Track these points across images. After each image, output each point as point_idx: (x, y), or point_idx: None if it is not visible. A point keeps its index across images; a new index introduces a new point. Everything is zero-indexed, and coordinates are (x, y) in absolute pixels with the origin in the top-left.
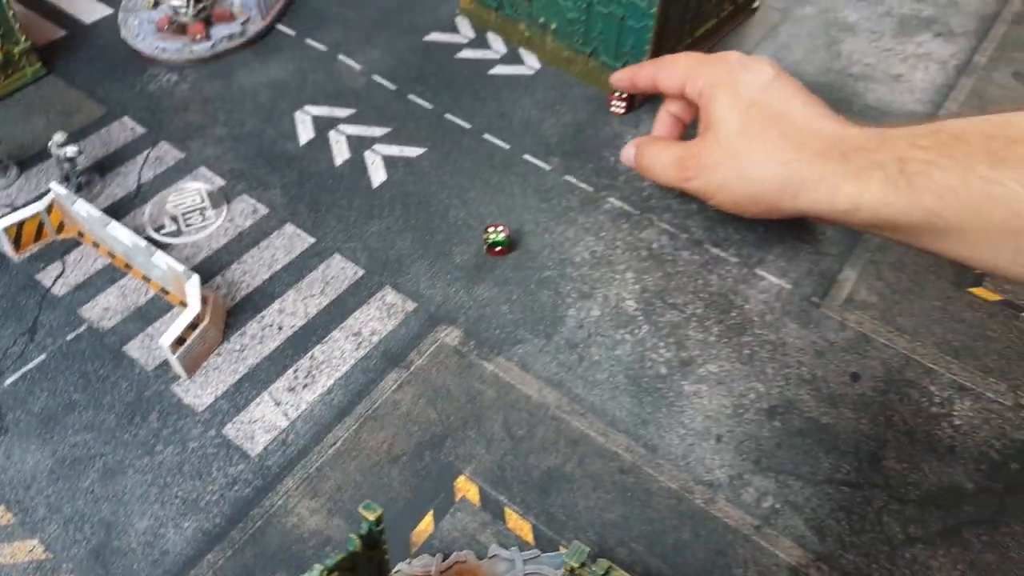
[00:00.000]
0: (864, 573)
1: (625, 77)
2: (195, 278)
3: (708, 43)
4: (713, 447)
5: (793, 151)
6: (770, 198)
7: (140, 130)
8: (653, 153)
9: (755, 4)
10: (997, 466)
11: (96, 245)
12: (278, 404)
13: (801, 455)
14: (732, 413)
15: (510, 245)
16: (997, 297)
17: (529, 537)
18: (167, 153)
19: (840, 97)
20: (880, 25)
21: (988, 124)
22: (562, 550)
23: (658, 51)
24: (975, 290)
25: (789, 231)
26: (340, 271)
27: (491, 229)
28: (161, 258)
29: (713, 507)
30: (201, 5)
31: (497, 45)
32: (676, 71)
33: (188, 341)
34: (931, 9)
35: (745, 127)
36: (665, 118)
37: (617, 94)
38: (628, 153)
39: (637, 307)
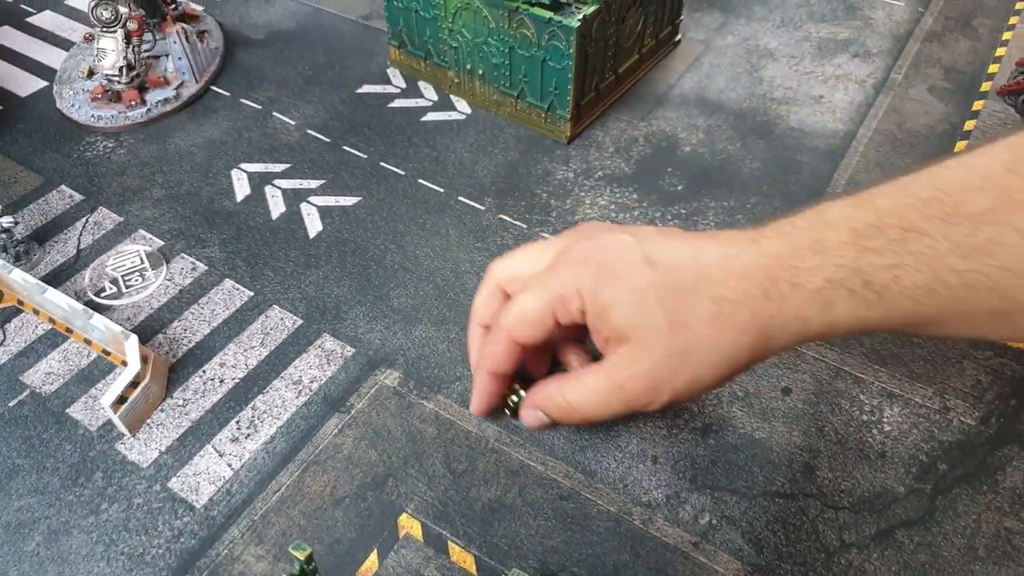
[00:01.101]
0: None
1: (487, 388)
2: (133, 338)
3: (632, 78)
4: (649, 468)
5: (740, 313)
6: (745, 365)
7: (78, 197)
8: (577, 399)
9: (677, 37)
10: (926, 468)
11: (36, 312)
12: (222, 455)
13: (736, 470)
14: (667, 434)
15: None
16: None
17: (472, 568)
18: (106, 218)
19: (764, 120)
20: (799, 50)
21: (937, 206)
22: None
23: (581, 89)
24: None
25: None
26: (279, 322)
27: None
28: (99, 320)
29: (651, 527)
30: (135, 73)
31: (428, 93)
32: (534, 317)
33: (130, 399)
34: (848, 32)
35: (673, 319)
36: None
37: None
38: (535, 417)
39: None
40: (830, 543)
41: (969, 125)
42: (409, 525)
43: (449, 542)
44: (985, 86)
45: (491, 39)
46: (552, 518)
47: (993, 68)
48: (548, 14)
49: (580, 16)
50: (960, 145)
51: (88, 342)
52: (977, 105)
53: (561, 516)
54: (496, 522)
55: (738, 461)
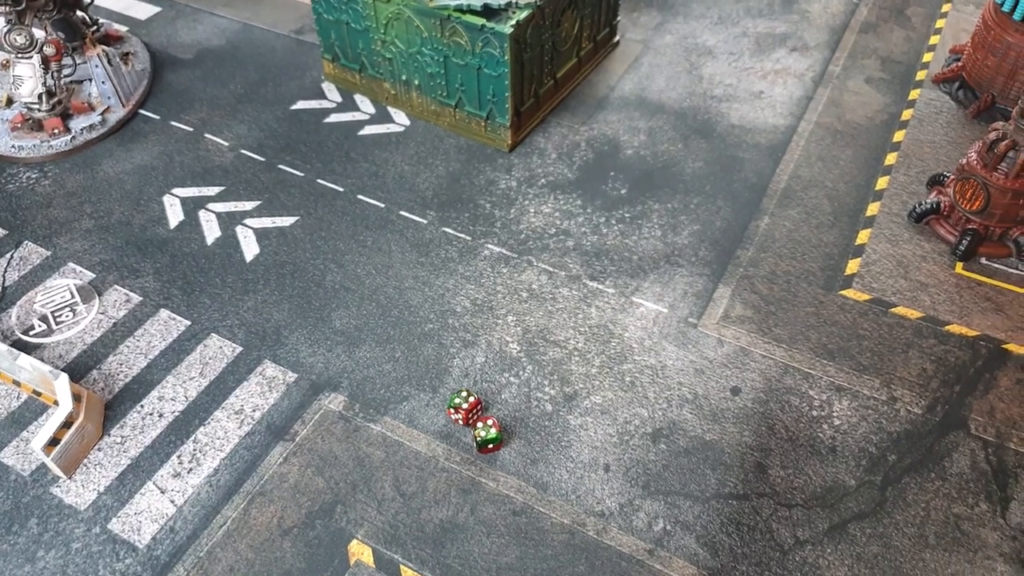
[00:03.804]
0: None
1: None
2: (63, 377)
3: (571, 82)
4: (602, 477)
5: None
6: None
7: (1, 232)
8: None
9: (615, 39)
10: (876, 460)
11: None
12: (164, 492)
13: (688, 474)
14: (618, 441)
15: (503, 439)
16: (866, 297)
17: None
18: (32, 252)
19: (705, 119)
20: (738, 46)
21: None
22: None
23: (519, 96)
24: (846, 292)
25: (663, 257)
26: (218, 350)
27: (480, 425)
28: (25, 360)
29: (606, 537)
30: (56, 99)
31: (365, 106)
32: None
33: (63, 440)
34: (785, 26)
35: None
36: None
37: (453, 408)
38: None
39: (520, 349)
40: (784, 541)
41: (907, 114)
42: (360, 551)
43: (402, 566)
44: (921, 75)
45: (425, 49)
46: (505, 535)
47: (928, 57)
48: (481, 21)
49: (513, 22)
50: (899, 135)
51: (17, 383)
52: (913, 94)
53: (515, 532)
54: (449, 543)
55: (690, 465)
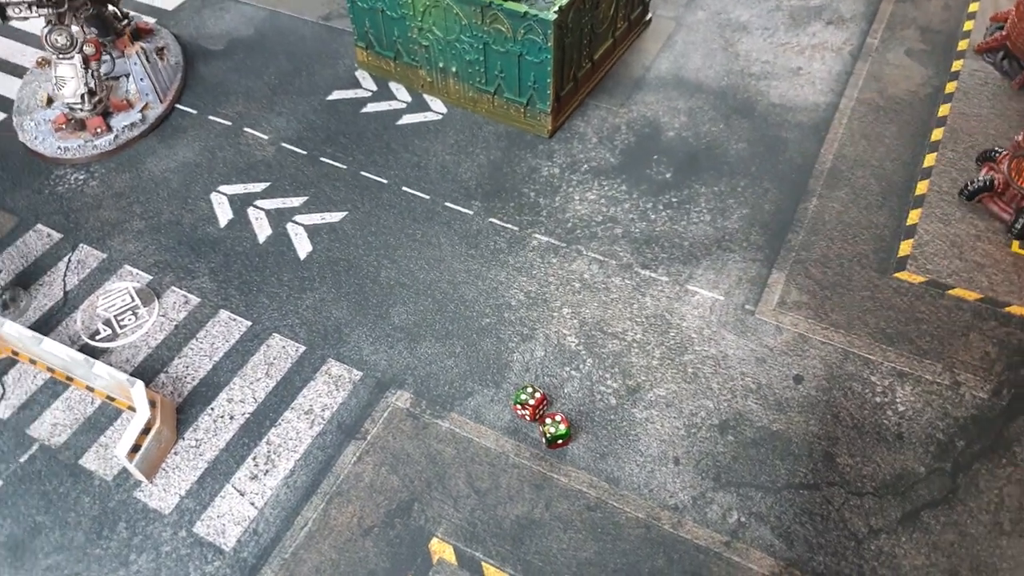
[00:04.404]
0: (835, 572)
1: None
2: (139, 384)
3: (607, 63)
4: (672, 470)
5: None
6: None
7: (56, 236)
8: None
9: (648, 16)
10: (944, 446)
11: (33, 362)
12: (243, 494)
13: (758, 465)
14: (685, 434)
15: (572, 434)
16: (921, 279)
17: None
18: (88, 255)
19: (745, 98)
20: (772, 20)
21: None
22: None
23: (560, 81)
24: (900, 274)
25: (714, 242)
26: (281, 350)
27: (548, 421)
28: (102, 368)
29: (682, 530)
30: (97, 98)
31: (401, 94)
32: None
33: (143, 446)
34: None
35: None
36: None
37: (520, 404)
38: None
39: (578, 342)
40: (858, 530)
41: (950, 87)
42: (441, 550)
43: (484, 563)
44: (962, 44)
45: (464, 36)
46: (582, 530)
47: (968, 25)
48: (523, 8)
49: (556, 7)
50: (944, 109)
51: (91, 389)
52: (956, 65)
53: (591, 527)
54: (527, 539)
55: (759, 456)
